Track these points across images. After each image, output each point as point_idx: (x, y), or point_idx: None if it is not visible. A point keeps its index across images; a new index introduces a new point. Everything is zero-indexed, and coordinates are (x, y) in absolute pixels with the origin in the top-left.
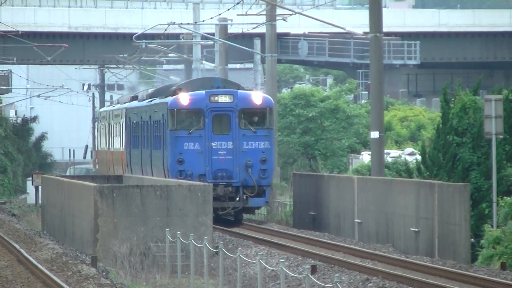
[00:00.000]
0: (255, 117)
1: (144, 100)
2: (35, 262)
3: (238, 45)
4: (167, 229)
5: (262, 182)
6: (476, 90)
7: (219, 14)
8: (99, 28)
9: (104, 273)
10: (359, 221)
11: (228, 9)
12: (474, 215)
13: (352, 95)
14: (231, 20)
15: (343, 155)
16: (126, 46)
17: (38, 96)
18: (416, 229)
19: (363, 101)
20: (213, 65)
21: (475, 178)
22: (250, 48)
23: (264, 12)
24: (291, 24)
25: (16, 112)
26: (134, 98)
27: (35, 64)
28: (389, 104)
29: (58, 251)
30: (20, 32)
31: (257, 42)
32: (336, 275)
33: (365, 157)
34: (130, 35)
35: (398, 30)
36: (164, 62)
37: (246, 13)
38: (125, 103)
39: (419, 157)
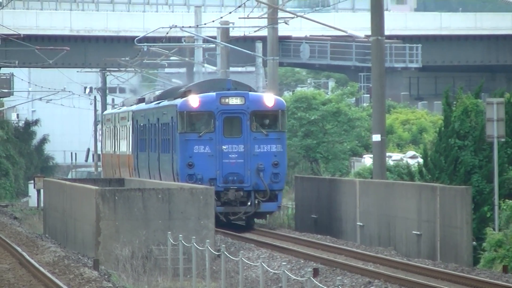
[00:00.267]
0: (267, 119)
1: (151, 102)
2: (37, 265)
3: (240, 48)
4: (169, 232)
5: (274, 187)
6: (478, 93)
7: (221, 17)
8: (100, 31)
9: (106, 276)
10: (361, 224)
11: (230, 12)
12: (476, 218)
13: (354, 98)
14: (233, 23)
15: (345, 158)
16: (128, 49)
17: (40, 99)
18: (418, 232)
19: (365, 104)
20: (215, 68)
21: (477, 181)
22: (251, 51)
23: (265, 15)
24: (292, 27)
25: (18, 115)
26: (141, 100)
27: (37, 67)
28: (391, 107)
29: (60, 254)
30: (22, 35)
31: (259, 45)
32: (338, 278)
33: (367, 160)
34: (132, 38)
35: (399, 33)
36: (166, 65)
37: (247, 16)
38: (131, 105)
39: (421, 160)
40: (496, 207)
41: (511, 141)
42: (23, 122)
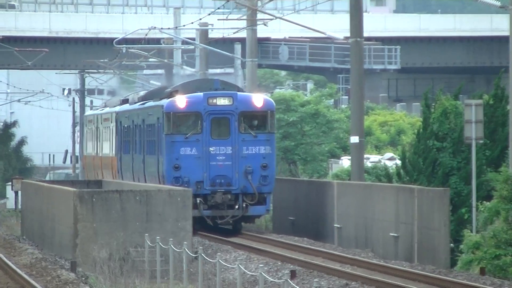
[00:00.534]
0: (256, 120)
1: (136, 103)
2: (14, 267)
3: (219, 50)
4: (147, 234)
5: (263, 189)
6: (457, 95)
7: (200, 19)
8: (79, 32)
9: (83, 278)
10: (338, 226)
11: (209, 14)
12: (454, 220)
13: (333, 100)
14: (212, 25)
15: (323, 160)
16: (107, 51)
17: (19, 100)
18: (395, 234)
19: (343, 106)
20: (193, 70)
21: (455, 183)
22: (230, 53)
23: (244, 17)
24: (271, 29)
25: None
26: (125, 101)
27: (16, 68)
28: (369, 109)
29: (38, 256)
30: (1, 37)
31: (238, 47)
32: (315, 280)
33: (345, 162)
34: (111, 39)
35: (378, 35)
36: (145, 67)
37: (226, 18)
38: (114, 106)
39: (399, 162)
40: (474, 209)
41: (490, 143)
42: (1, 124)
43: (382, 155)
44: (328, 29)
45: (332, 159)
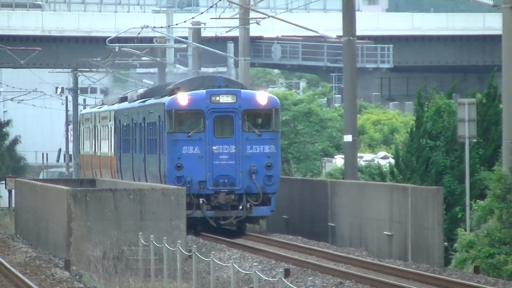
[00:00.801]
0: (260, 118)
1: (135, 101)
2: (8, 266)
3: (212, 48)
4: (141, 233)
5: (267, 190)
6: (450, 93)
7: (193, 18)
8: (72, 31)
9: (77, 277)
10: (332, 224)
11: (202, 13)
12: (448, 218)
13: (326, 99)
14: (205, 24)
15: (317, 159)
16: (100, 50)
17: (12, 99)
18: (389, 233)
19: (336, 105)
20: (186, 68)
21: (449, 182)
22: (223, 52)
23: (237, 16)
24: (264, 28)
25: None
26: (123, 99)
27: (9, 67)
28: (362, 107)
29: (32, 254)
30: None
31: (231, 46)
32: (309, 278)
33: (338, 160)
34: (104, 38)
35: (371, 33)
36: (137, 66)
37: (219, 16)
38: (113, 104)
39: (392, 161)
40: (468, 208)
41: (483, 142)
42: None
43: (375, 154)
44: (320, 28)
45: (326, 158)
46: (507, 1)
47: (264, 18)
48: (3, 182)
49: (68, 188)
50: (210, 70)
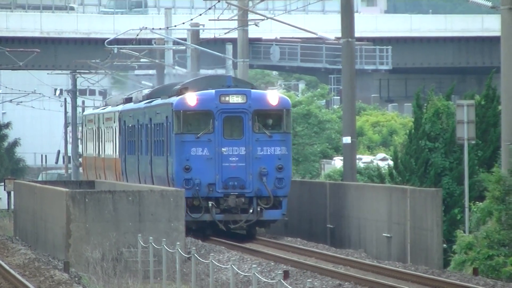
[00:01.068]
0: (271, 119)
1: (140, 101)
2: (7, 268)
3: (210, 50)
4: (139, 235)
5: (279, 193)
6: (449, 95)
7: (191, 19)
8: (71, 33)
9: (76, 279)
10: (331, 226)
11: (200, 14)
12: (446, 220)
13: (324, 100)
14: (203, 25)
15: (315, 161)
16: (98, 51)
17: (10, 101)
18: (388, 235)
19: (335, 106)
20: (185, 70)
21: (447, 184)
22: (222, 53)
23: (236, 17)
24: (263, 29)
25: None
26: (128, 100)
27: (7, 69)
28: (361, 109)
29: (31, 256)
30: None
31: (229, 47)
32: (308, 280)
33: (337, 162)
34: (102, 40)
35: (370, 35)
36: (136, 67)
37: (218, 18)
38: (117, 105)
39: (391, 163)
40: (467, 210)
41: (482, 144)
42: None
43: (374, 156)
44: (319, 30)
45: (324, 160)
46: (505, 2)
47: (262, 19)
48: (2, 184)
49: (67, 189)
50: (209, 71)
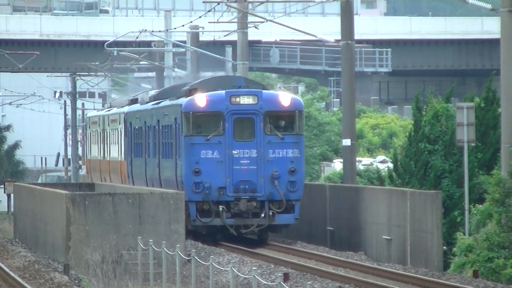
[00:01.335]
0: (283, 121)
1: (147, 102)
2: (7, 270)
3: (210, 52)
4: (139, 237)
5: (291, 196)
6: (448, 97)
7: (191, 22)
8: (70, 35)
9: (76, 281)
10: (331, 228)
11: (200, 17)
12: (446, 222)
13: (324, 103)
14: (203, 28)
15: (315, 163)
16: (98, 54)
17: (10, 104)
18: (388, 237)
19: (334, 109)
20: (184, 72)
21: (447, 186)
22: (221, 56)
23: (235, 20)
24: (262, 32)
25: None
26: (134, 101)
27: (7, 71)
28: (361, 111)
29: (31, 259)
30: None
31: (229, 50)
32: (308, 283)
33: (337, 164)
34: (102, 42)
35: (369, 37)
36: (136, 70)
37: (217, 20)
38: (122, 106)
39: (391, 165)
40: (467, 212)
41: (481, 146)
42: None
43: (374, 158)
44: (319, 32)
45: (324, 162)
46: (505, 4)
47: (262, 22)
48: (2, 186)
49: (66, 192)
50: (209, 74)
